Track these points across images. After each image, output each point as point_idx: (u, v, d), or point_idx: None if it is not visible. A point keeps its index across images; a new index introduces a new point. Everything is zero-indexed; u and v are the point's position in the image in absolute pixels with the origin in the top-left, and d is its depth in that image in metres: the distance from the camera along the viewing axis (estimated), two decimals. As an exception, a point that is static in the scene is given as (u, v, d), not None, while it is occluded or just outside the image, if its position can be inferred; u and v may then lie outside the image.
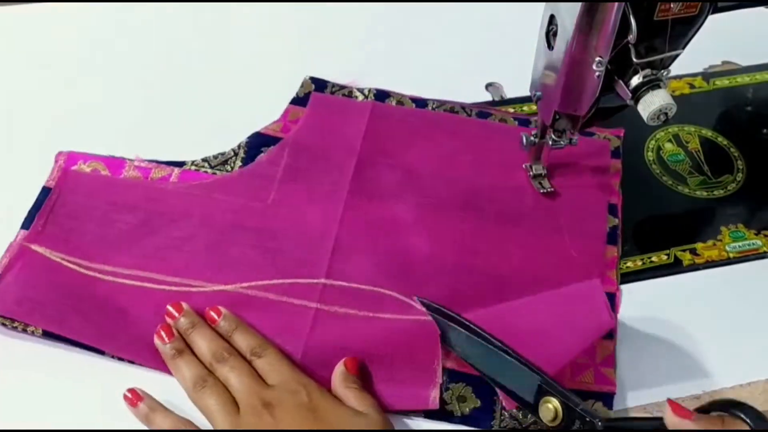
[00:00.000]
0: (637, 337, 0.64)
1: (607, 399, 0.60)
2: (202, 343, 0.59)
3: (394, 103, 0.79)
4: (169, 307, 0.61)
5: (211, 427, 0.56)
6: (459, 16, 0.90)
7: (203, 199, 0.70)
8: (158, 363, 0.60)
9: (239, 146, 0.74)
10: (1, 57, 0.81)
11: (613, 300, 0.65)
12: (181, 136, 0.75)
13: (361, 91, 0.79)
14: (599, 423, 0.53)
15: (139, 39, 0.85)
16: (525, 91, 0.68)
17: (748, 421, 0.49)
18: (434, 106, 0.78)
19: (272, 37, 0.86)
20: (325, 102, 0.78)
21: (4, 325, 0.61)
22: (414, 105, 0.79)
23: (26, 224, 0.66)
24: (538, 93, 0.67)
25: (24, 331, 0.61)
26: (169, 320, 0.61)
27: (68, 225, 0.67)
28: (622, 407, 0.60)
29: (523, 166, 0.73)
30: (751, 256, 0.70)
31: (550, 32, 0.62)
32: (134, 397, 0.57)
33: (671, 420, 0.51)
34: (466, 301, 0.64)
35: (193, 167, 0.72)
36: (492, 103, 0.80)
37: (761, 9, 0.68)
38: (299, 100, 0.78)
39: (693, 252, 0.69)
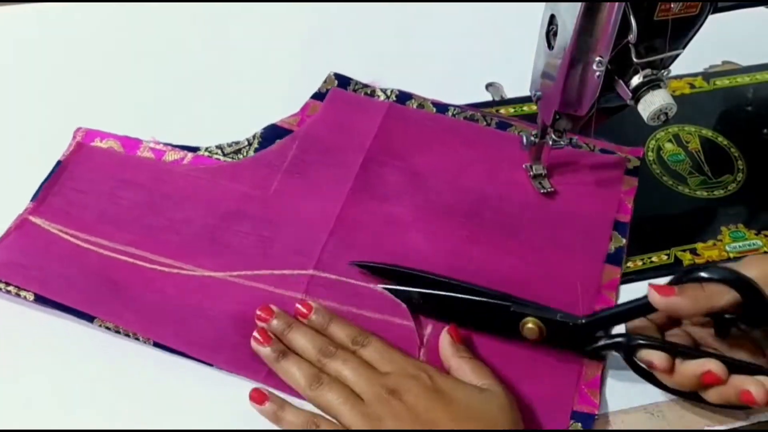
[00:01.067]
0: (637, 337, 0.64)
1: (587, 420, 0.59)
2: (303, 340, 0.59)
3: (414, 105, 0.78)
4: (259, 311, 0.61)
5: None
6: (459, 16, 0.90)
7: (207, 183, 0.70)
8: (147, 331, 0.61)
9: (254, 136, 0.74)
10: (31, 42, 0.83)
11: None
12: (198, 123, 0.76)
13: (383, 91, 0.79)
14: (582, 320, 0.58)
15: (168, 25, 0.86)
16: (525, 91, 0.68)
17: (714, 276, 0.53)
18: (454, 113, 0.78)
19: (304, 33, 0.87)
20: (342, 98, 0.78)
21: None
22: (435, 109, 0.78)
23: (35, 197, 0.68)
24: (538, 93, 0.67)
25: (17, 295, 0.62)
26: (261, 324, 0.60)
27: (72, 198, 0.68)
28: (622, 407, 0.60)
29: (523, 166, 0.73)
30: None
31: (550, 32, 0.62)
32: (259, 397, 0.57)
33: (657, 300, 0.54)
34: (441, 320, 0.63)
35: (206, 153, 0.73)
36: (492, 104, 0.80)
37: (761, 9, 0.68)
38: (320, 95, 0.78)
39: (693, 252, 0.69)
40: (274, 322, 0.60)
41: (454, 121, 0.77)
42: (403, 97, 0.79)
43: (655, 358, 0.56)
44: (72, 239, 0.65)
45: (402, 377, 0.56)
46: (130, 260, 0.65)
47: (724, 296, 0.53)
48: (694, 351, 0.56)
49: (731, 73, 0.85)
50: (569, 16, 0.58)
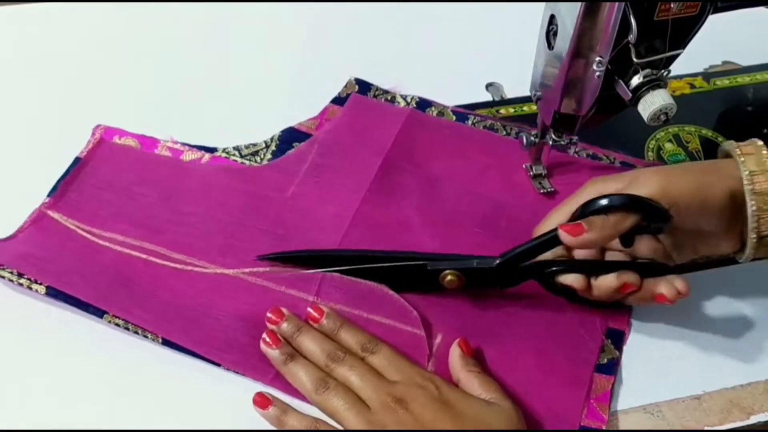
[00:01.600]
0: (636, 337, 0.64)
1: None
2: (312, 345, 0.59)
3: (435, 113, 0.78)
4: (269, 314, 0.60)
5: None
6: (459, 16, 0.90)
7: (224, 184, 0.70)
8: (157, 328, 0.61)
9: (271, 139, 0.74)
10: (54, 40, 0.84)
11: (621, 337, 0.64)
12: (216, 123, 0.76)
13: (404, 97, 0.79)
14: (497, 261, 0.60)
15: (189, 25, 0.87)
16: (525, 91, 0.68)
17: (615, 204, 0.57)
18: (474, 121, 0.77)
19: (324, 37, 0.87)
20: (362, 103, 0.78)
21: (10, 281, 0.62)
22: (455, 117, 0.78)
23: (52, 192, 0.68)
24: (538, 93, 0.67)
25: (29, 288, 0.62)
26: (271, 326, 0.60)
27: (90, 194, 0.69)
28: (622, 407, 0.60)
29: (523, 166, 0.73)
30: (751, 256, 0.70)
31: (550, 32, 0.62)
32: (263, 401, 0.57)
33: (568, 240, 0.57)
34: (450, 329, 0.63)
35: (223, 154, 0.73)
36: (491, 104, 0.80)
37: (761, 9, 0.68)
38: (340, 100, 0.78)
39: (693, 252, 0.69)
40: (284, 325, 0.60)
41: (473, 130, 0.77)
42: (423, 104, 0.78)
43: (571, 280, 0.60)
44: (87, 235, 0.66)
45: (409, 386, 0.56)
46: (144, 256, 0.65)
47: (628, 220, 0.57)
48: (606, 264, 0.61)
49: (731, 73, 0.85)
50: (569, 16, 0.58)
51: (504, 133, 0.77)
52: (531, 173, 0.72)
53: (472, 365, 0.58)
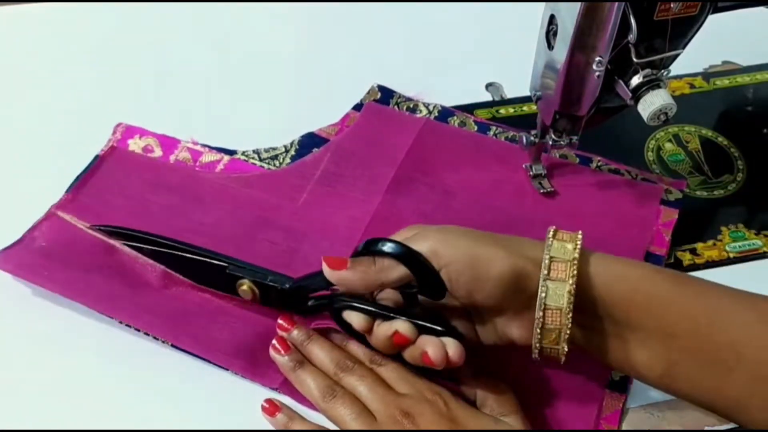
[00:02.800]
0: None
1: None
2: (322, 353, 0.58)
3: (456, 123, 0.77)
4: (281, 321, 0.60)
5: None
6: (459, 16, 0.90)
7: (238, 191, 0.70)
8: (166, 333, 0.61)
9: (291, 143, 0.74)
10: (79, 38, 0.84)
11: None
12: (237, 126, 0.76)
13: (426, 105, 0.78)
14: (287, 285, 0.58)
15: (216, 27, 0.87)
16: (525, 91, 0.68)
17: (384, 250, 0.53)
18: (496, 132, 0.76)
19: (350, 43, 0.87)
20: (378, 112, 0.77)
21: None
22: (476, 128, 0.77)
23: (69, 189, 0.69)
24: (538, 93, 0.67)
25: (42, 286, 0.62)
26: (282, 333, 0.60)
27: (103, 197, 0.69)
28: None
29: (523, 166, 0.73)
30: (751, 256, 0.70)
31: (550, 32, 0.62)
32: (271, 408, 0.57)
33: (329, 274, 0.54)
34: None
35: (242, 157, 0.73)
36: (491, 104, 0.80)
37: (761, 9, 0.68)
38: (361, 107, 0.78)
39: (693, 252, 0.69)
40: (295, 332, 0.59)
41: (489, 139, 0.76)
42: (446, 113, 0.78)
43: (354, 319, 0.55)
44: (98, 234, 0.66)
45: (417, 400, 0.55)
46: (152, 262, 0.64)
47: (394, 271, 0.53)
48: (392, 311, 0.55)
49: (731, 73, 0.85)
50: (569, 16, 0.58)
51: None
52: (531, 173, 0.72)
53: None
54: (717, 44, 0.82)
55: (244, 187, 0.70)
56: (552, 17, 0.61)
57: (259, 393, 0.59)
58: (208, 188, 0.70)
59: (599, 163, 0.74)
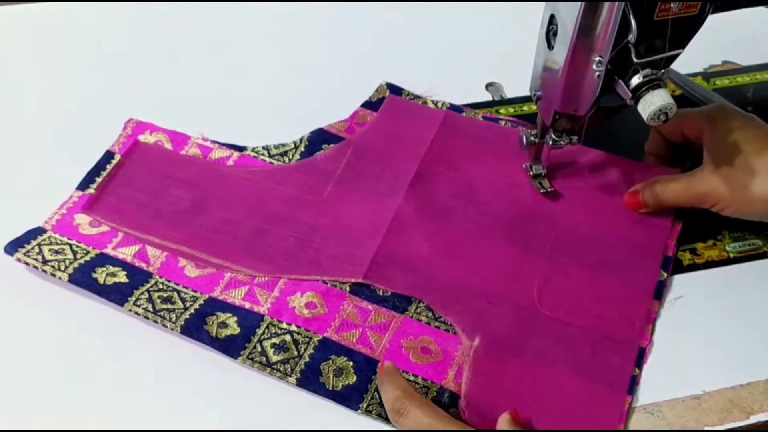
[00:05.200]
0: (637, 337, 0.64)
1: None
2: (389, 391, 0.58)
3: None
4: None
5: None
6: (459, 16, 0.90)
7: (259, 185, 0.71)
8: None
9: (301, 139, 0.74)
10: (89, 35, 0.85)
11: (642, 354, 0.63)
12: (246, 122, 0.77)
13: (435, 103, 0.78)
14: None
15: (223, 25, 0.88)
16: (525, 91, 0.68)
17: None
18: (506, 126, 0.77)
19: (357, 42, 0.87)
20: (398, 106, 0.78)
21: (35, 267, 0.63)
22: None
23: (82, 185, 0.70)
24: (538, 93, 0.67)
25: (53, 275, 0.63)
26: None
27: (126, 195, 0.69)
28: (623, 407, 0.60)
29: (523, 166, 0.73)
30: (751, 256, 0.69)
31: (550, 32, 0.62)
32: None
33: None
34: (488, 333, 0.63)
35: (252, 153, 0.73)
36: (491, 104, 0.80)
37: (761, 9, 0.68)
38: (370, 104, 0.78)
39: (693, 252, 0.69)
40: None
41: (509, 131, 0.76)
42: (454, 110, 0.78)
43: None
44: (129, 230, 0.67)
45: None
46: (182, 260, 0.66)
47: None
48: None
49: (731, 72, 0.85)
50: (569, 16, 0.58)
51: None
52: (531, 173, 0.72)
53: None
54: (717, 44, 0.83)
55: (264, 180, 0.71)
56: (552, 17, 0.61)
57: (273, 386, 0.59)
58: (230, 182, 0.71)
59: None
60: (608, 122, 0.68)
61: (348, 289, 0.64)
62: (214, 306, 0.63)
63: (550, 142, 0.68)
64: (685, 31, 0.59)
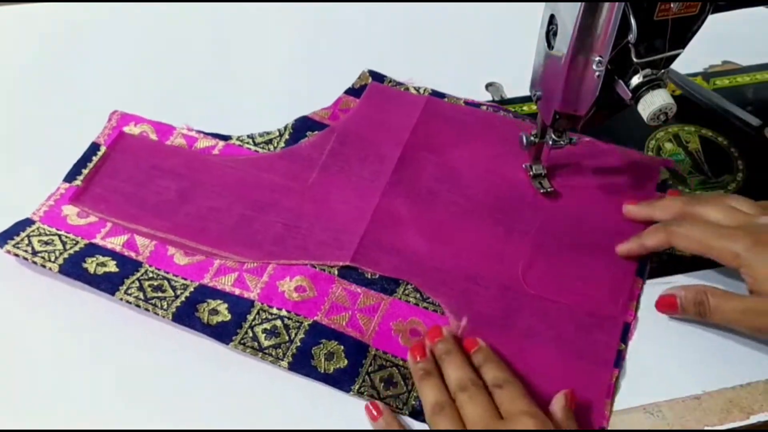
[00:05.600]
0: (636, 337, 0.64)
1: None
2: (452, 370, 0.59)
3: None
4: (430, 331, 0.61)
5: None
6: (459, 15, 0.90)
7: (245, 173, 0.71)
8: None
9: (285, 127, 0.75)
10: (73, 30, 0.86)
11: (627, 329, 0.64)
12: (230, 112, 0.78)
13: (417, 89, 0.79)
14: None
15: (204, 17, 0.88)
16: (525, 91, 0.68)
17: None
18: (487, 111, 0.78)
19: (340, 29, 0.88)
20: (380, 92, 0.79)
21: (24, 258, 0.64)
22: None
23: (69, 177, 0.70)
24: (538, 93, 0.67)
25: (43, 266, 0.64)
26: (427, 341, 0.61)
27: (112, 186, 0.70)
28: (622, 407, 0.60)
29: (523, 166, 0.73)
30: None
31: (550, 32, 0.62)
32: (376, 411, 0.58)
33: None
34: (475, 314, 0.64)
35: (237, 142, 0.74)
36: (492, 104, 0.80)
37: (761, 9, 0.68)
38: (353, 91, 0.79)
39: (693, 252, 0.69)
40: (439, 345, 0.60)
41: (491, 115, 0.77)
42: (436, 96, 0.79)
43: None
44: (118, 220, 0.68)
45: (517, 426, 0.54)
46: (171, 248, 0.66)
47: None
48: None
49: (731, 72, 0.85)
50: (569, 16, 0.58)
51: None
52: (531, 173, 0.72)
53: (572, 421, 0.57)
54: (717, 44, 0.82)
55: (250, 168, 0.71)
56: (552, 17, 0.61)
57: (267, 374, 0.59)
58: (215, 170, 0.71)
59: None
60: (608, 122, 0.68)
61: (336, 272, 0.65)
62: (204, 293, 0.63)
63: (550, 142, 0.68)
64: (685, 31, 0.59)
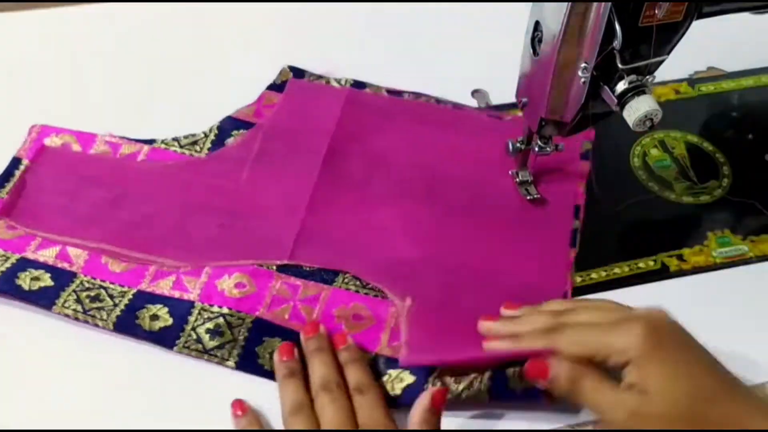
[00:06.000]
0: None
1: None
2: (318, 367, 0.59)
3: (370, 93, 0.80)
4: (306, 326, 0.61)
5: None
6: (444, 21, 0.90)
7: (175, 177, 0.71)
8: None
9: (210, 129, 0.75)
10: None
11: (565, 297, 0.65)
12: (154, 116, 0.77)
13: (338, 81, 0.80)
14: None
15: (122, 22, 0.87)
16: (511, 98, 0.68)
17: None
18: (409, 98, 0.79)
19: (257, 28, 0.88)
20: (301, 87, 0.80)
21: None
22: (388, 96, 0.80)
23: None
24: (524, 99, 0.66)
25: None
26: (302, 336, 0.61)
27: (38, 200, 0.69)
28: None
29: (510, 172, 0.73)
30: (737, 262, 0.70)
31: (536, 38, 0.62)
32: (240, 410, 0.58)
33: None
34: (419, 296, 0.64)
35: (162, 145, 0.74)
36: (478, 110, 0.80)
37: (745, 15, 0.68)
38: (275, 87, 0.80)
39: (680, 258, 0.69)
40: (311, 342, 0.60)
41: (410, 102, 0.79)
42: (358, 86, 0.80)
43: None
44: (45, 233, 0.66)
45: None
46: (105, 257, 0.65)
47: None
48: None
49: (716, 79, 0.85)
50: (554, 23, 0.58)
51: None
52: (517, 179, 0.72)
53: (434, 423, 0.55)
54: (702, 50, 0.83)
55: (182, 173, 0.71)
56: (537, 24, 0.61)
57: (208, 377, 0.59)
58: (143, 176, 0.71)
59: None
60: (594, 128, 0.68)
61: (275, 267, 0.65)
62: (143, 299, 0.63)
63: (536, 149, 0.68)
64: (670, 37, 0.59)
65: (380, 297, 0.64)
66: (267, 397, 0.59)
